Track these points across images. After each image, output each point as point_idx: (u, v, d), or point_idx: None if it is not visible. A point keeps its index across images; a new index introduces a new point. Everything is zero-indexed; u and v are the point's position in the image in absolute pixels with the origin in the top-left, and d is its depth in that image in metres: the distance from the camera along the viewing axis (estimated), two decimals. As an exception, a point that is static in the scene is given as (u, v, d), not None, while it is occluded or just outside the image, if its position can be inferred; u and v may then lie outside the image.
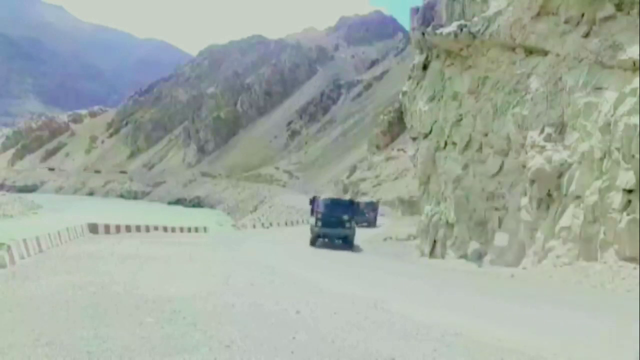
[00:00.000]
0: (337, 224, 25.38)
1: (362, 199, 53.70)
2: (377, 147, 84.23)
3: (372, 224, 42.62)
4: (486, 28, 21.08)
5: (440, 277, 16.27)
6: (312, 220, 25.97)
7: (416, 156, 26.48)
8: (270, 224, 44.61)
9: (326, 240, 25.99)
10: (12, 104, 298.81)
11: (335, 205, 26.73)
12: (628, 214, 14.39)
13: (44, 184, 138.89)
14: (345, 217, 25.53)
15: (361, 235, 30.88)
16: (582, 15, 17.71)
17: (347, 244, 25.81)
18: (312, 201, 27.06)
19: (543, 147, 17.79)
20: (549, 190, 17.34)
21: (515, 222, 19.26)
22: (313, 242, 25.80)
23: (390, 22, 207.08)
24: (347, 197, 56.34)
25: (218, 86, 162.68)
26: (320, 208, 25.80)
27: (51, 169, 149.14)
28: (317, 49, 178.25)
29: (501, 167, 20.62)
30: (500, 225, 20.44)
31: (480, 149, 21.81)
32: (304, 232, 34.53)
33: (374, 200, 55.36)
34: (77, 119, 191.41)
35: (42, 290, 10.75)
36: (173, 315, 8.64)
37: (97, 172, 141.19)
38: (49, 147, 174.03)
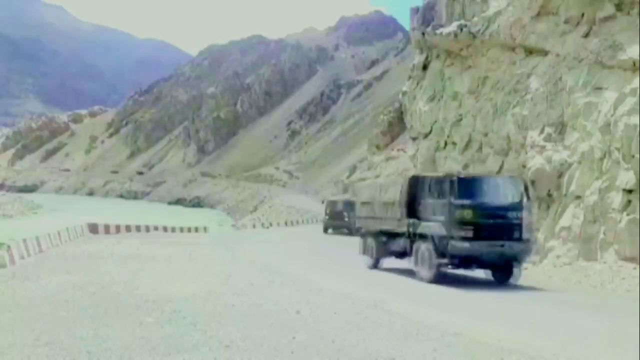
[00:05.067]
0: (505, 231, 13.00)
1: (344, 198, 45.24)
2: (377, 147, 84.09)
3: (352, 228, 29.95)
4: (486, 28, 21.09)
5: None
6: (437, 226, 13.24)
7: (416, 156, 26.48)
8: (270, 224, 44.57)
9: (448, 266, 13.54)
10: (12, 104, 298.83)
11: (495, 190, 13.64)
12: (628, 214, 14.40)
13: (44, 184, 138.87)
14: (516, 215, 13.04)
15: (353, 238, 30.67)
16: (582, 15, 17.73)
17: (508, 273, 13.70)
18: (415, 182, 14.49)
19: (543, 147, 17.80)
20: (549, 190, 17.36)
21: (515, 222, 19.21)
22: (436, 277, 13.39)
23: (390, 22, 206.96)
24: (347, 197, 54.80)
25: (218, 86, 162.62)
26: (465, 198, 12.99)
27: (66, 170, 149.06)
28: (317, 49, 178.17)
29: (501, 167, 20.64)
30: (500, 225, 20.36)
31: (480, 149, 21.82)
32: (305, 232, 34.60)
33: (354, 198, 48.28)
34: (77, 119, 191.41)
35: (42, 290, 10.75)
36: (173, 315, 8.65)
37: (115, 172, 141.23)
38: (49, 147, 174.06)
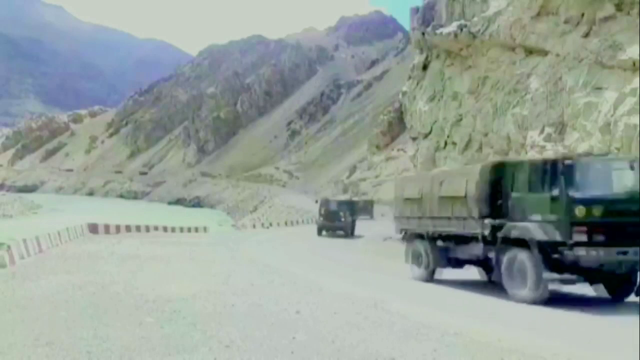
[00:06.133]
0: None
1: (340, 198, 45.39)
2: (377, 147, 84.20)
3: (348, 231, 31.54)
4: (486, 28, 21.10)
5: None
6: (546, 228, 10.05)
7: (416, 156, 26.47)
8: (270, 224, 44.60)
9: None
10: (12, 104, 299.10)
11: (620, 177, 10.47)
12: (628, 214, 14.34)
13: (44, 184, 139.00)
14: None
15: (353, 238, 30.74)
16: (582, 15, 17.73)
17: (630, 286, 10.89)
18: (499, 170, 11.55)
19: (543, 147, 17.81)
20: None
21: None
22: (544, 297, 10.36)
23: (390, 22, 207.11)
24: (347, 197, 54.68)
25: (218, 86, 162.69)
26: (588, 189, 9.95)
27: (69, 170, 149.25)
28: (317, 49, 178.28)
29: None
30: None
31: (480, 149, 21.82)
32: (304, 232, 34.57)
33: (354, 198, 47.75)
34: (77, 119, 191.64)
35: (42, 290, 10.74)
36: (173, 315, 8.64)
37: (118, 172, 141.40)
38: (49, 147, 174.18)
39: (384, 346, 6.98)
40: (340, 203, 34.22)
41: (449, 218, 12.33)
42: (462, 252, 12.40)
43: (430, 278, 13.33)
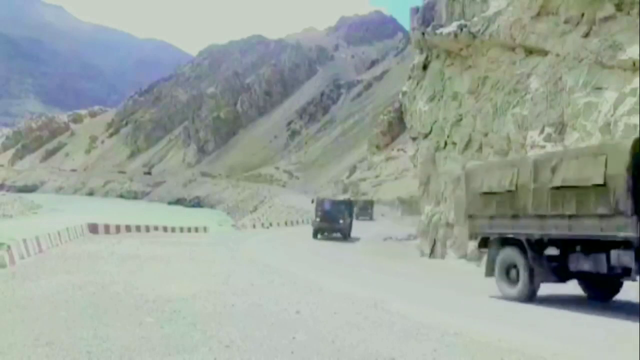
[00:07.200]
0: None
1: (338, 197, 44.44)
2: (377, 147, 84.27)
3: (346, 233, 29.82)
4: (486, 28, 21.08)
5: (440, 277, 16.26)
6: None
7: (416, 156, 26.46)
8: (270, 224, 44.61)
9: None
10: (12, 104, 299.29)
11: None
12: (628, 214, 14.26)
13: (44, 184, 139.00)
14: None
15: (351, 240, 30.61)
16: (582, 15, 17.72)
17: None
18: None
19: (543, 147, 17.79)
20: (549, 190, 17.23)
21: (516, 222, 19.14)
22: None
23: (390, 22, 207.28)
24: (346, 197, 54.78)
25: (218, 86, 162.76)
26: None
27: (73, 170, 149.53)
28: (317, 49, 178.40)
29: (501, 167, 20.54)
30: (500, 225, 20.21)
31: (480, 149, 21.81)
32: (304, 232, 34.56)
33: (350, 198, 47.33)
34: (77, 119, 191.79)
35: (42, 290, 10.74)
36: (173, 315, 8.64)
37: (121, 172, 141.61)
38: (49, 147, 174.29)
39: (384, 346, 6.99)
40: (338, 203, 32.09)
41: (570, 216, 9.39)
42: (592, 262, 9.38)
43: (532, 297, 10.38)
